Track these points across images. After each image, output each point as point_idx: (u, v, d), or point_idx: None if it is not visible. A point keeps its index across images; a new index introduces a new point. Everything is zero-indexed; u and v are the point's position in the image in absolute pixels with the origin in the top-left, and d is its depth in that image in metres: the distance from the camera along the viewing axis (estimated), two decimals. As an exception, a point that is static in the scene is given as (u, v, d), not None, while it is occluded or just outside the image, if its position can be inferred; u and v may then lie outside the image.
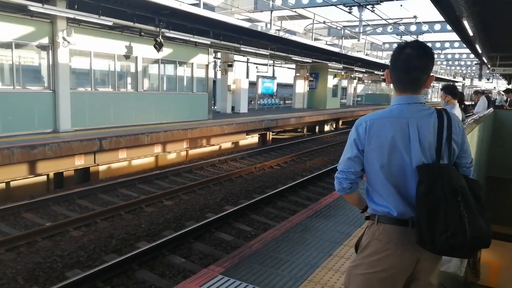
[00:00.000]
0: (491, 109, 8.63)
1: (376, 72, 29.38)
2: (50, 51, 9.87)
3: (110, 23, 10.17)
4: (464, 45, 17.42)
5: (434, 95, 55.75)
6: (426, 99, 51.97)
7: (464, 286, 4.62)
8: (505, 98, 15.15)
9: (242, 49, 15.92)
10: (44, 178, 8.56)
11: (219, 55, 18.96)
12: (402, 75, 1.79)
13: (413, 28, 23.46)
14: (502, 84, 48.69)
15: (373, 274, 1.77)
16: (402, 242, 1.74)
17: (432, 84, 51.64)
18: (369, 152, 1.77)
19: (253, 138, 15.41)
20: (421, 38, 25.26)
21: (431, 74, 1.81)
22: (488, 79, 39.73)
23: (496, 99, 17.14)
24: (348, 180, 1.82)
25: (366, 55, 26.15)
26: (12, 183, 8.00)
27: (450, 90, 5.07)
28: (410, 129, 1.72)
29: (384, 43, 31.56)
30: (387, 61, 29.35)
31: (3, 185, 7.87)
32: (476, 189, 1.72)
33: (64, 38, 9.75)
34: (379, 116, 1.79)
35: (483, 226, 1.61)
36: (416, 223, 1.68)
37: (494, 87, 53.39)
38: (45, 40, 9.73)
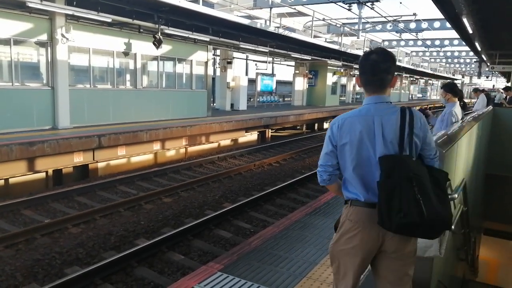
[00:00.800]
0: (490, 107, 8.63)
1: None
2: (49, 48, 9.84)
3: (109, 20, 10.14)
4: (464, 43, 17.42)
5: (433, 92, 55.80)
6: (425, 97, 52.14)
7: (463, 284, 4.63)
8: (504, 95, 15.14)
9: (241, 46, 15.90)
10: (43, 175, 8.56)
11: (218, 52, 18.92)
12: (370, 77, 2.03)
13: (412, 25, 23.39)
14: (501, 82, 48.72)
15: (346, 249, 2.02)
16: (368, 222, 1.96)
17: (430, 82, 52.04)
18: (342, 147, 2.02)
19: (252, 136, 15.41)
20: (421, 35, 25.26)
21: (395, 74, 2.06)
22: (487, 77, 39.73)
23: (495, 96, 17.12)
24: (327, 172, 2.09)
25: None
26: (11, 180, 7.99)
27: (451, 88, 5.05)
28: (375, 125, 1.95)
29: (383, 40, 31.51)
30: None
31: (1, 182, 7.87)
32: (441, 178, 1.94)
33: (62, 35, 9.71)
34: (349, 116, 2.03)
35: (439, 210, 1.82)
36: (378, 206, 1.90)
37: (493, 85, 53.38)
38: (43, 37, 9.70)
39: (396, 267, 2.00)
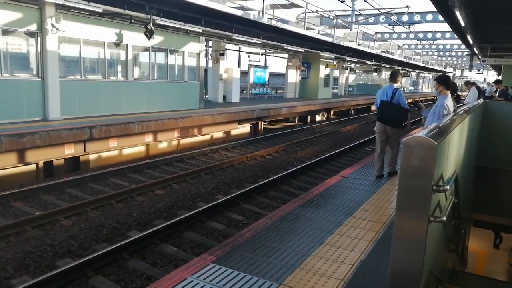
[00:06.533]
0: (481, 100, 8.69)
1: (368, 62, 29.39)
2: (39, 38, 9.69)
3: (100, 10, 10.00)
4: (456, 36, 17.50)
5: (425, 85, 56.35)
6: (417, 89, 52.76)
7: (453, 274, 4.70)
8: (494, 88, 15.27)
9: (234, 37, 15.80)
10: (33, 167, 8.47)
11: (210, 43, 18.79)
12: (391, 77, 6.52)
13: (405, 18, 23.41)
14: (492, 75, 49.06)
15: (377, 128, 6.54)
16: (381, 122, 6.43)
17: (422, 75, 52.76)
18: (377, 97, 6.41)
19: (245, 128, 15.39)
20: (413, 28, 25.30)
21: (400, 78, 6.76)
22: (478, 70, 40.00)
23: (486, 89, 17.25)
24: (376, 105, 6.47)
25: (358, 45, 26.11)
26: (0, 172, 7.90)
27: (444, 80, 5.08)
28: (384, 92, 6.29)
29: (376, 33, 31.51)
30: (378, 51, 29.35)
31: (-9, 174, 7.78)
32: (403, 110, 6.14)
33: (52, 25, 9.57)
34: (380, 88, 6.83)
35: (392, 116, 6.21)
36: (378, 113, 6.50)
37: (484, 79, 53.78)
38: (33, 27, 9.54)
39: (392, 137, 6.37)
